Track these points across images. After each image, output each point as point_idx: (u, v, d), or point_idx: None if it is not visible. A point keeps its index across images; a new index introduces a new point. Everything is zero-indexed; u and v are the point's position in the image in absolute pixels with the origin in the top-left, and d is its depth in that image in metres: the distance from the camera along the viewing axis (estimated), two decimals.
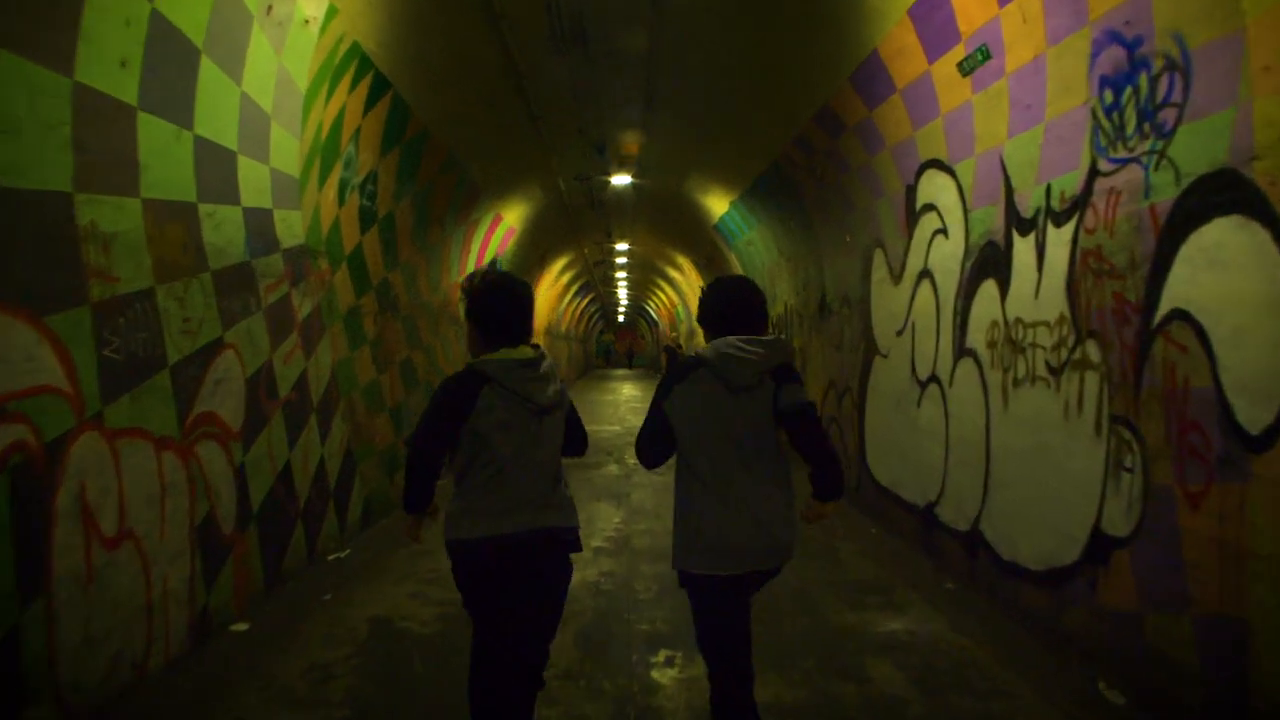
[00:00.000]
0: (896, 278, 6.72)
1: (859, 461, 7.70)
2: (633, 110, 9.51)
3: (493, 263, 13.84)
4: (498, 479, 2.71)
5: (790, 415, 2.75)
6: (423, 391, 9.21)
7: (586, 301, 37.26)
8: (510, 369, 2.70)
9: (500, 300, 2.82)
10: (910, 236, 6.38)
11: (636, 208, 15.91)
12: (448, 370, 10.44)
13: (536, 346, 2.86)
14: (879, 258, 7.18)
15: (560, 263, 21.43)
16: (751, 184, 10.61)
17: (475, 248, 11.86)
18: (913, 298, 6.36)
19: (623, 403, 22.97)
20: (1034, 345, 4.47)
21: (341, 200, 6.54)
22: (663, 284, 29.32)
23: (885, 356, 7.02)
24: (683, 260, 20.93)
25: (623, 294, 38.81)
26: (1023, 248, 4.63)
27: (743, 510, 2.69)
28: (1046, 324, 4.34)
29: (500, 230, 12.89)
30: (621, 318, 55.45)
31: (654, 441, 2.81)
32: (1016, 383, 4.66)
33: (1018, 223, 4.67)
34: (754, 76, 7.68)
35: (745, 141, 9.48)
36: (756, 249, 12.49)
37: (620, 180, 12.73)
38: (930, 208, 5.93)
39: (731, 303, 2.86)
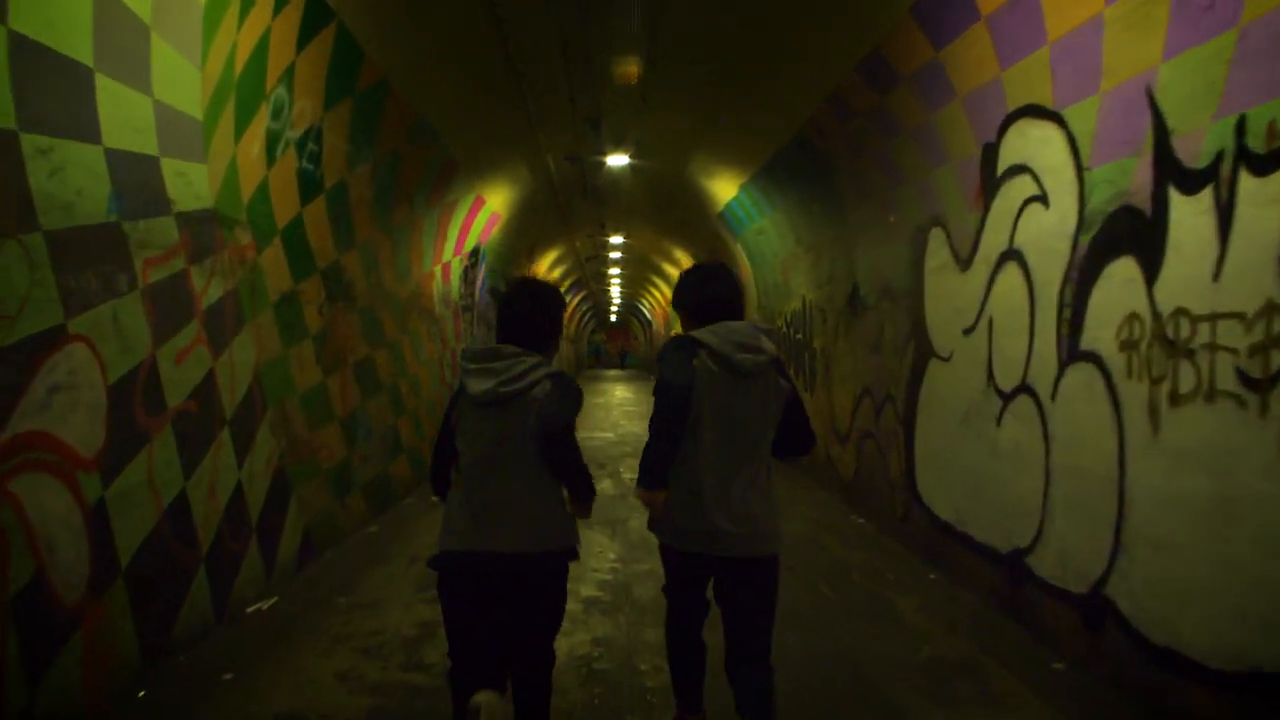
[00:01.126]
0: (964, 263, 5.42)
1: (906, 487, 6.39)
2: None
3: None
4: (463, 489, 2.64)
5: (790, 406, 2.87)
6: (387, 397, 7.85)
7: (578, 299, 35.91)
8: (474, 359, 2.64)
9: (507, 304, 2.79)
10: (986, 209, 5.07)
11: (633, 196, 14.58)
12: (419, 373, 9.09)
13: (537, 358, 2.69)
14: (937, 240, 5.88)
15: (550, 256, 20.08)
16: (767, 161, 9.29)
17: (453, 233, 10.52)
18: (989, 286, 5.05)
19: (615, 406, 21.63)
20: (1212, 347, 3.16)
21: (271, 158, 5.19)
22: (658, 281, 27.99)
23: (946, 360, 5.72)
24: (681, 255, 19.61)
25: (616, 292, 37.48)
26: (1187, 211, 3.32)
27: (726, 497, 2.72)
28: (1239, 317, 3.03)
29: (483, 215, 11.54)
30: (614, 317, 54.14)
31: (674, 420, 2.74)
32: (1177, 399, 3.36)
33: (1178, 177, 3.37)
34: (782, 22, 6.37)
35: (763, 110, 8.17)
36: (768, 239, 11.18)
37: (616, 161, 11.39)
38: (1020, 170, 4.63)
39: (715, 288, 2.87)
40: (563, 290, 28.34)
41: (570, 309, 35.53)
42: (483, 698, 2.52)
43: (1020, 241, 4.68)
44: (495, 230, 12.88)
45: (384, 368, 7.79)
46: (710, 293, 2.87)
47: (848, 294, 8.10)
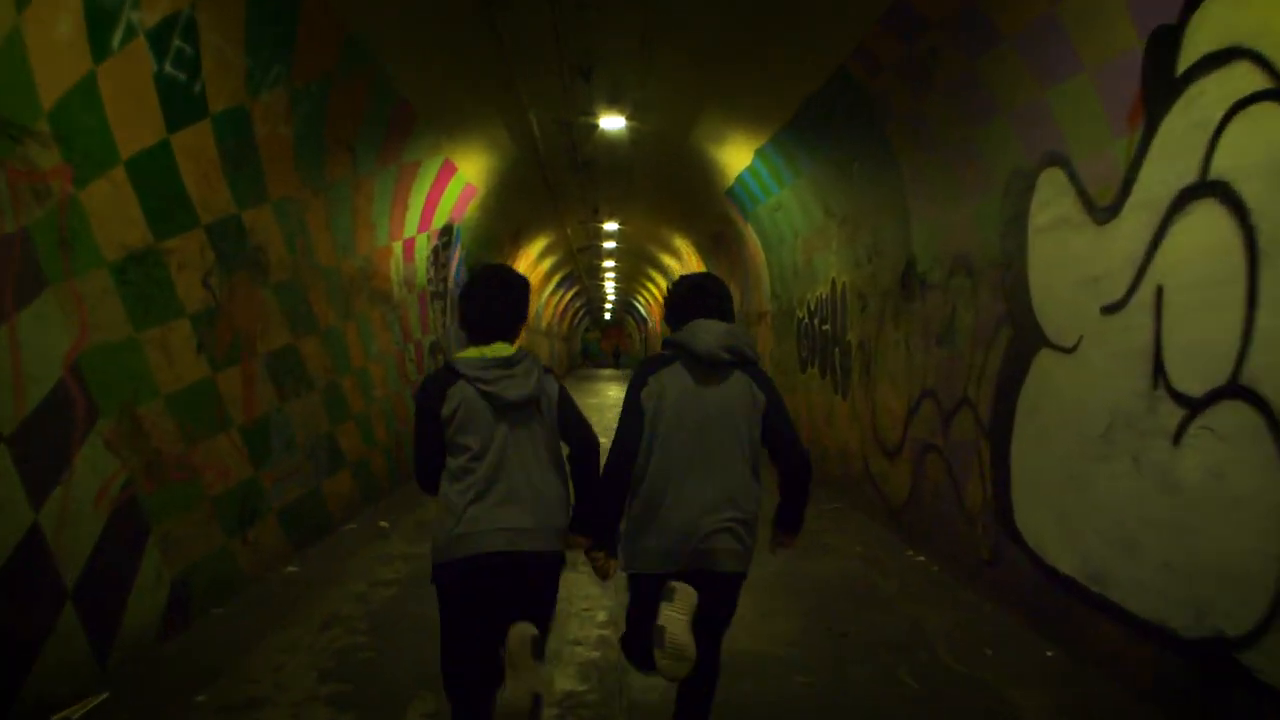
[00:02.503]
0: (1104, 212, 3.81)
1: (995, 521, 4.79)
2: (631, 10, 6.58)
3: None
4: (468, 489, 2.57)
5: (770, 408, 2.75)
6: (320, 398, 6.21)
7: (571, 295, 34.29)
8: (483, 366, 2.60)
9: (474, 298, 2.73)
10: (1150, 129, 3.47)
11: (630, 171, 12.95)
12: (370, 368, 7.47)
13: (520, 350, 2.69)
14: (1050, 185, 4.28)
15: (538, 244, 18.43)
16: (793, 116, 7.68)
17: (417, 203, 8.87)
18: (1155, 242, 3.45)
19: (609, 407, 20.00)
20: None
21: (100, 46, 3.55)
22: (656, 276, 26.36)
23: (1069, 351, 4.11)
24: (681, 243, 17.99)
25: (610, 288, 35.83)
26: None
27: (677, 510, 2.64)
28: None
29: (454, 186, 9.89)
30: (608, 315, 52.56)
31: (624, 451, 2.69)
32: None
33: None
34: None
35: (790, 46, 6.56)
36: (788, 214, 9.56)
37: (611, 123, 9.77)
38: (1230, 56, 3.02)
39: (697, 295, 2.86)
40: (553, 284, 26.71)
41: (562, 305, 33.92)
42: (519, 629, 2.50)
43: (1226, 168, 3.06)
44: (471, 207, 11.24)
45: (315, 361, 6.15)
46: (699, 298, 2.86)
47: (899, 273, 6.49)
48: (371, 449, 7.51)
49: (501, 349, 2.65)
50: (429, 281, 10.12)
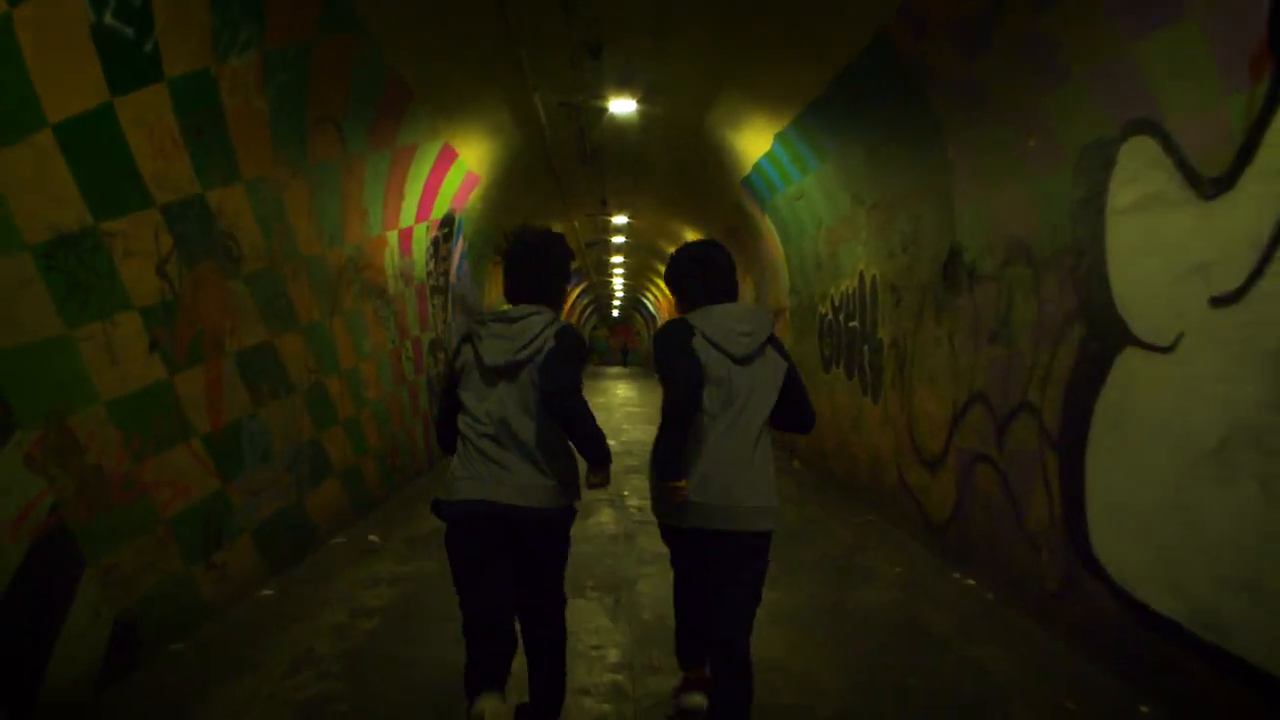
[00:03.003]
0: (1217, 183, 3.19)
1: (1066, 546, 4.17)
2: None
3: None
4: (464, 441, 2.68)
5: (789, 382, 2.85)
6: (302, 400, 5.64)
7: (578, 292, 33.70)
8: (483, 322, 2.70)
9: (511, 257, 2.80)
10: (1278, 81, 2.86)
11: (640, 161, 12.36)
12: (362, 367, 6.92)
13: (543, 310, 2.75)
14: (1136, 157, 3.66)
15: None
16: (820, 94, 7.06)
17: (414, 190, 8.29)
18: None
19: (617, 407, 19.42)
20: None
21: None
22: (664, 271, 25.73)
23: (1166, 350, 3.49)
24: (692, 237, 17.39)
25: (619, 284, 35.23)
26: None
27: (725, 470, 2.69)
28: None
29: (455, 173, 9.31)
30: (616, 312, 51.96)
31: (690, 387, 2.66)
32: None
33: None
34: None
35: (819, 16, 5.95)
36: (810, 203, 8.94)
37: (621, 107, 9.17)
38: None
39: (701, 270, 2.87)
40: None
41: (569, 302, 33.36)
42: (486, 704, 2.55)
43: None
44: (474, 197, 10.65)
45: (296, 360, 5.58)
46: (706, 272, 2.87)
47: (940, 263, 5.87)
48: (363, 456, 6.93)
49: (523, 308, 2.72)
50: (428, 275, 9.54)
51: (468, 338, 2.74)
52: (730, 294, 2.89)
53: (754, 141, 9.29)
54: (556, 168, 11.98)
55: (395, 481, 7.87)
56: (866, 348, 7.61)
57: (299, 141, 5.48)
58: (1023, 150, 4.65)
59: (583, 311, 42.64)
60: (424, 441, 9.12)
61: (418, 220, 8.75)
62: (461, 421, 2.71)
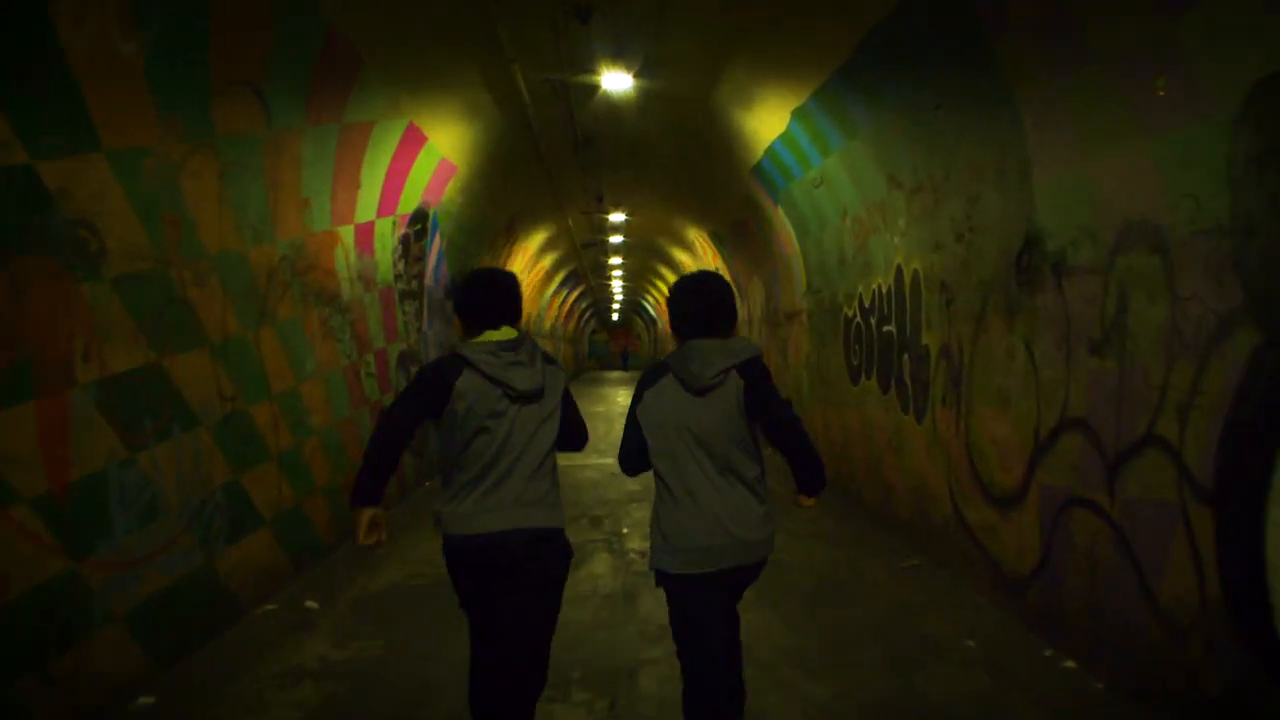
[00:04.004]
0: None
1: (1233, 639, 2.99)
2: None
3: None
4: (483, 472, 2.68)
5: (764, 412, 2.72)
6: (214, 435, 4.47)
7: (576, 295, 32.54)
8: (489, 351, 2.69)
9: (477, 287, 2.82)
10: None
11: (638, 149, 11.19)
12: (305, 390, 5.76)
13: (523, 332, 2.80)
14: None
15: (536, 238, 16.67)
16: (846, 60, 5.88)
17: (373, 177, 7.11)
18: None
19: (617, 416, 18.24)
20: None
21: None
22: (666, 273, 24.56)
23: None
24: (696, 236, 16.20)
25: (617, 287, 34.03)
26: None
27: (705, 510, 2.67)
28: None
29: (426, 160, 8.14)
30: (616, 316, 50.84)
31: (631, 455, 2.82)
32: None
33: None
34: None
35: None
36: (833, 189, 7.77)
37: (616, 83, 8.00)
38: None
39: (694, 300, 2.83)
40: (556, 283, 24.94)
41: (566, 306, 32.18)
42: None
43: None
44: (451, 190, 9.48)
45: (201, 386, 4.40)
46: (695, 306, 2.83)
47: (1011, 253, 4.69)
48: (307, 496, 5.76)
49: (508, 332, 2.78)
50: (396, 278, 8.37)
51: (462, 368, 2.68)
52: (717, 323, 2.81)
53: (767, 121, 8.12)
54: (545, 156, 10.80)
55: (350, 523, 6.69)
56: (907, 357, 6.42)
57: (198, 106, 4.30)
58: (1142, 99, 3.47)
59: (581, 316, 41.46)
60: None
61: (381, 214, 7.58)
62: (466, 452, 2.69)
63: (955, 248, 5.48)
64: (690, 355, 2.71)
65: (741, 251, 13.34)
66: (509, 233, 13.99)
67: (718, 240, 14.65)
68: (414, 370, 8.95)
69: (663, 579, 2.77)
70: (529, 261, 17.76)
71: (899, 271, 6.57)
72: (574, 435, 2.96)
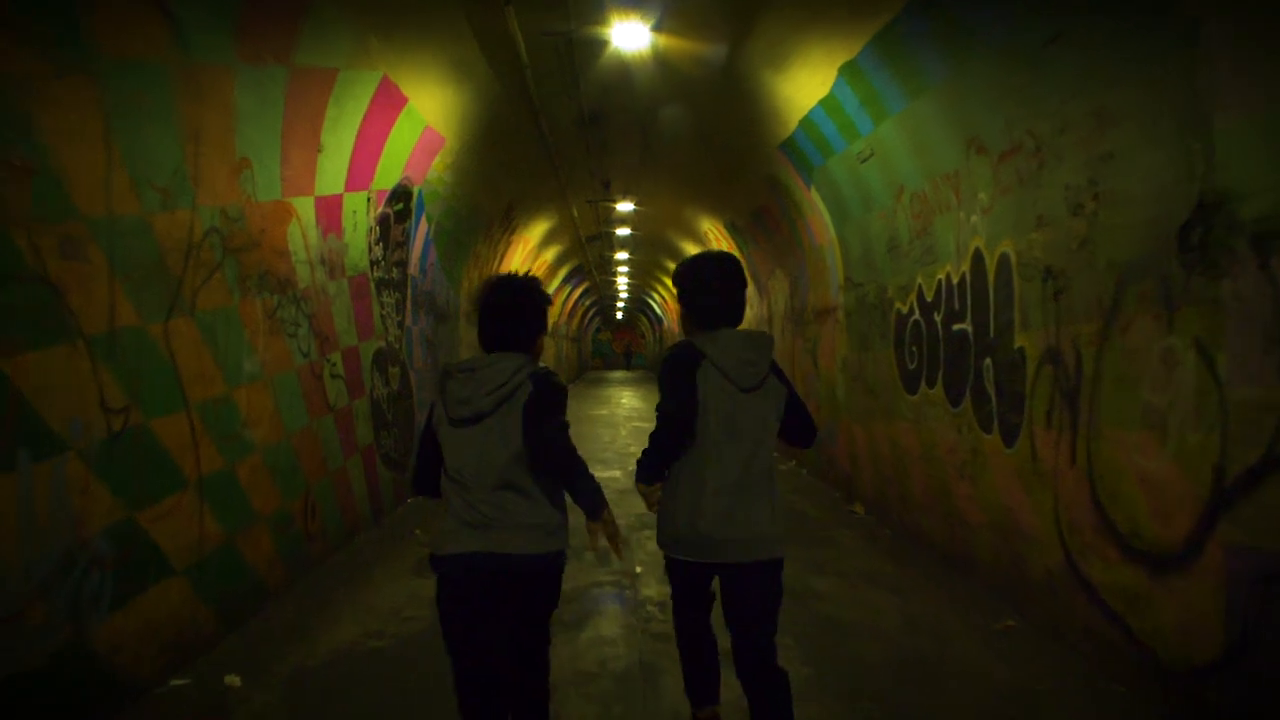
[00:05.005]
0: None
1: None
2: None
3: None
4: (456, 492, 2.61)
5: (792, 410, 2.83)
6: (83, 464, 3.27)
7: (580, 292, 31.36)
8: (449, 374, 2.65)
9: (485, 303, 2.73)
10: None
11: (650, 127, 10.00)
12: (241, 397, 4.57)
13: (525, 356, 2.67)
14: None
15: (538, 228, 15.47)
16: None
17: (341, 139, 5.92)
18: None
19: (623, 421, 17.04)
20: None
21: None
22: (674, 269, 23.33)
23: None
24: (709, 227, 15.00)
25: (623, 284, 32.83)
26: None
27: (726, 501, 2.67)
28: None
29: (407, 126, 6.95)
30: (620, 314, 49.67)
31: (680, 424, 2.70)
32: None
33: None
34: None
35: None
36: (887, 162, 6.56)
37: (629, 36, 6.82)
38: None
39: (723, 285, 2.79)
40: (560, 278, 23.74)
41: (570, 303, 30.98)
42: None
43: None
44: (439, 165, 8.29)
45: (64, 395, 3.20)
46: (717, 291, 2.80)
47: (1170, 226, 3.47)
48: (242, 530, 4.58)
49: (490, 356, 2.65)
50: (373, 265, 7.18)
51: (443, 380, 2.66)
52: (740, 315, 2.82)
53: (805, 84, 6.92)
54: (547, 133, 9.60)
55: (310, 554, 5.51)
56: (990, 363, 5.21)
57: (63, 13, 3.11)
58: None
59: (585, 314, 40.28)
60: (365, 488, 6.75)
61: (351, 187, 6.39)
62: (448, 470, 2.63)
63: (1070, 223, 4.27)
64: (728, 348, 2.69)
65: (762, 243, 12.14)
66: (507, 221, 12.79)
67: (734, 231, 13.44)
68: (394, 372, 7.76)
69: (669, 564, 2.91)
70: (530, 254, 16.56)
71: (977, 257, 5.36)
72: (542, 448, 2.58)
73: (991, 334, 5.18)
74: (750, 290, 14.51)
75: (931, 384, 6.18)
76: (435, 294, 9.60)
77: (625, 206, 15.14)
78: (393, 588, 5.26)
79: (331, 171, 5.94)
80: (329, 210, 6.02)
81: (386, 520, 7.24)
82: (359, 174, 6.47)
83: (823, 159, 7.81)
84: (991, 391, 5.18)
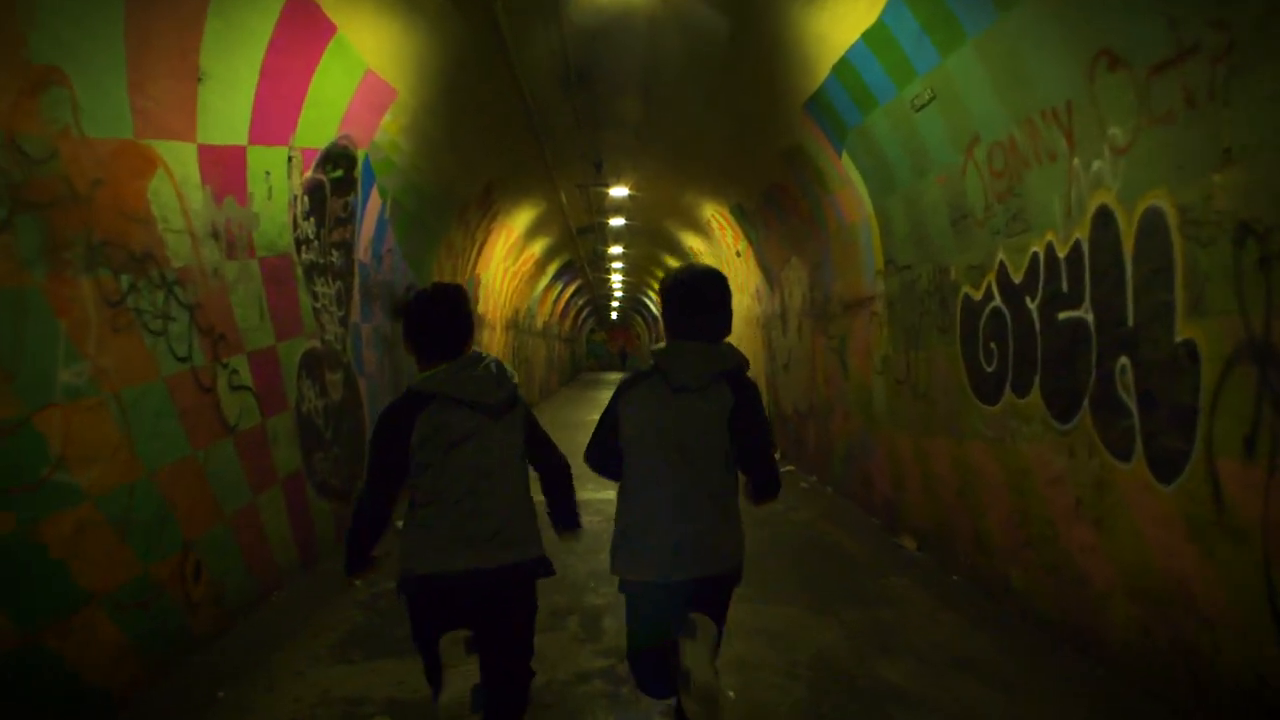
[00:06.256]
0: None
1: None
2: None
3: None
4: (450, 505, 2.53)
5: (745, 428, 2.72)
6: None
7: (572, 291, 29.89)
8: (450, 376, 2.57)
9: (427, 314, 2.66)
10: None
11: (649, 86, 8.54)
12: (74, 422, 2.98)
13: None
14: None
15: (524, 216, 13.96)
16: None
17: (237, 71, 4.41)
18: None
19: None
20: None
21: None
22: (672, 266, 21.87)
23: None
24: (712, 213, 13.53)
25: (617, 281, 31.33)
26: None
27: (672, 516, 2.63)
28: None
29: (340, 65, 5.46)
30: (615, 314, 48.25)
31: (603, 449, 2.78)
32: None
33: None
34: None
35: None
36: (958, 104, 5.08)
37: None
38: None
39: (687, 299, 2.77)
40: (550, 275, 22.23)
41: (562, 302, 29.49)
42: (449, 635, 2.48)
43: None
44: (391, 125, 6.81)
45: None
46: (691, 305, 2.76)
47: None
48: (52, 624, 3.09)
49: (474, 358, 2.65)
50: (301, 244, 5.69)
51: (422, 405, 2.55)
52: (713, 324, 2.77)
53: (844, 13, 5.49)
54: (528, 95, 8.12)
55: (194, 631, 4.01)
56: (1127, 361, 3.73)
57: None
58: None
59: (578, 314, 38.76)
60: (288, 529, 5.27)
61: (260, 138, 4.89)
62: (432, 483, 2.54)
63: None
64: (672, 361, 2.70)
65: (774, 228, 10.66)
66: (486, 205, 11.29)
67: (741, 217, 11.97)
68: (334, 379, 6.28)
69: (622, 584, 2.77)
70: (514, 247, 15.06)
71: (1103, 217, 3.88)
72: (547, 456, 2.87)
73: (1130, 322, 3.71)
74: (758, 284, 13.04)
75: (1021, 390, 4.70)
76: (395, 286, 8.11)
77: (619, 192, 13.66)
78: (297, 686, 3.77)
79: (225, 113, 4.44)
80: (224, 166, 4.53)
81: (322, 567, 5.75)
82: (272, 122, 4.98)
83: (860, 115, 6.34)
84: (1130, 403, 3.71)
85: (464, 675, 2.43)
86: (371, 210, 7.11)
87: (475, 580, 2.51)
